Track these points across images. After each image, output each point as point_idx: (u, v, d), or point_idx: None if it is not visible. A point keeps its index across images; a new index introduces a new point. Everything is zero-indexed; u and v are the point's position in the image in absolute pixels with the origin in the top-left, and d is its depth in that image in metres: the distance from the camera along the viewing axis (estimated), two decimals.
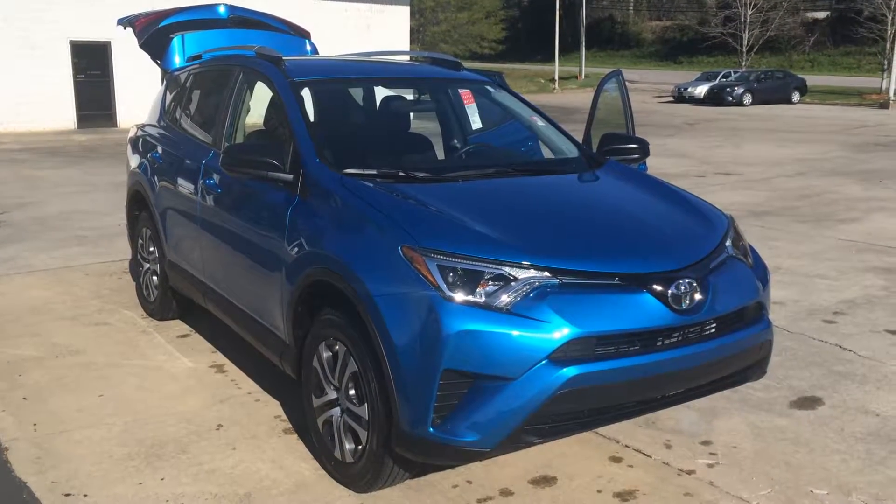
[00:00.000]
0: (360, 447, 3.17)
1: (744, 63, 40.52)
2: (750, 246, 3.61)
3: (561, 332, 2.75)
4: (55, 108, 19.73)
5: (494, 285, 2.82)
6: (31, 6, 19.10)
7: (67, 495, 3.22)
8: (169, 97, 5.48)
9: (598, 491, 3.29)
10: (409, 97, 5.03)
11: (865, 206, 9.98)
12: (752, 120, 24.90)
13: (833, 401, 4.17)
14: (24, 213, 9.28)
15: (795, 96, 33.16)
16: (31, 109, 19.26)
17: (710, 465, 3.50)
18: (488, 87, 4.74)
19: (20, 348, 4.87)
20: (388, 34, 24.21)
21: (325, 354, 3.30)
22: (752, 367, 3.37)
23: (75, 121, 20.22)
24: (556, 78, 43.42)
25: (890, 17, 34.81)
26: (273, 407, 4.07)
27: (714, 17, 47.03)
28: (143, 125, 5.70)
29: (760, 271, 3.48)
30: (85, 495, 3.23)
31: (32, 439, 3.70)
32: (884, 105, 29.95)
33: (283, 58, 4.28)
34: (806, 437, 3.76)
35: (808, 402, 4.15)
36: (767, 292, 3.45)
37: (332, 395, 3.31)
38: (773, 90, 32.91)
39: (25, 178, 12.18)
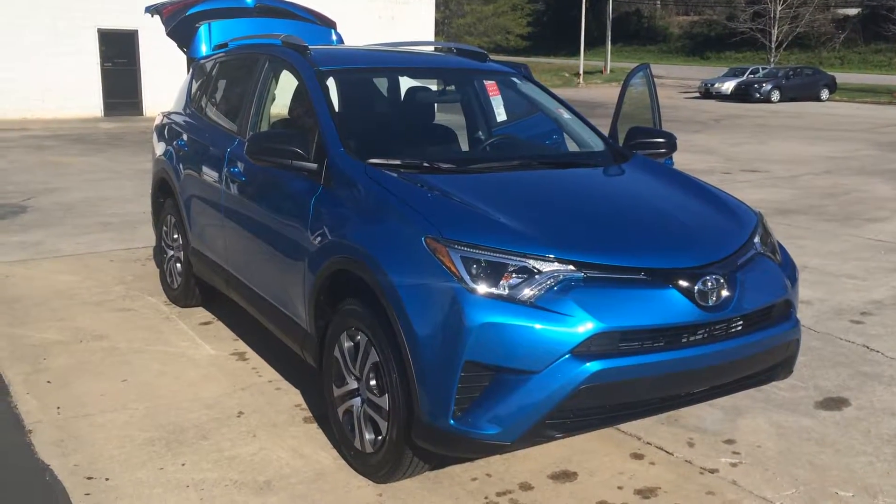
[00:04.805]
0: (380, 438, 3.16)
1: (772, 59, 40.06)
2: (778, 243, 3.55)
3: (585, 327, 2.72)
4: (82, 96, 19.93)
5: (518, 278, 2.79)
6: None
7: (89, 478, 3.25)
8: (195, 85, 5.49)
9: (619, 487, 3.26)
10: (434, 88, 5.00)
11: (894, 206, 9.82)
12: (779, 117, 24.58)
13: (860, 402, 4.11)
14: (50, 198, 9.37)
15: (824, 94, 32.71)
16: (57, 97, 19.47)
17: (734, 465, 3.46)
18: (514, 79, 4.70)
19: (45, 332, 4.92)
20: (414, 26, 24.18)
21: (347, 344, 3.30)
22: (778, 365, 3.32)
23: (102, 108, 20.42)
24: (581, 72, 43.16)
25: None
26: (294, 395, 4.08)
27: (743, 12, 46.54)
28: (169, 113, 5.72)
29: (789, 269, 3.42)
30: (107, 479, 3.25)
31: (55, 422, 3.73)
32: None
33: (309, 47, 4.27)
34: (831, 438, 3.71)
35: (834, 403, 4.09)
36: (796, 290, 3.39)
37: (353, 385, 3.31)
38: (802, 87, 32.48)
39: (52, 164, 12.30)
